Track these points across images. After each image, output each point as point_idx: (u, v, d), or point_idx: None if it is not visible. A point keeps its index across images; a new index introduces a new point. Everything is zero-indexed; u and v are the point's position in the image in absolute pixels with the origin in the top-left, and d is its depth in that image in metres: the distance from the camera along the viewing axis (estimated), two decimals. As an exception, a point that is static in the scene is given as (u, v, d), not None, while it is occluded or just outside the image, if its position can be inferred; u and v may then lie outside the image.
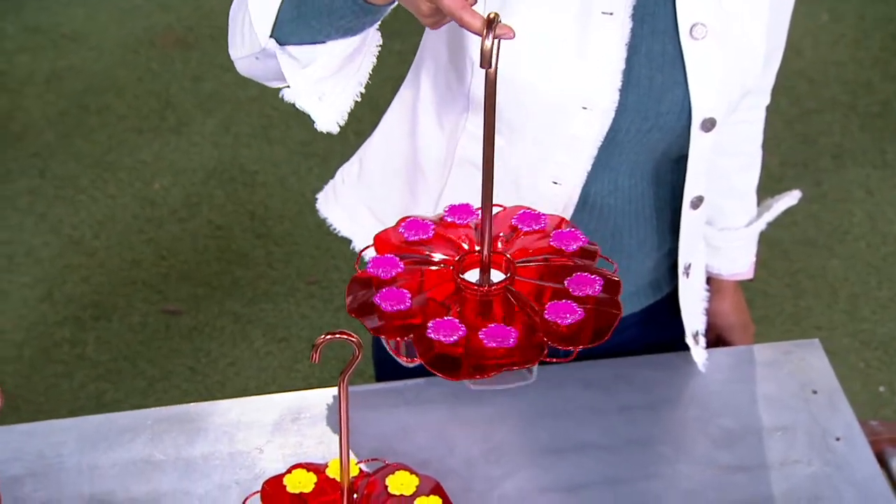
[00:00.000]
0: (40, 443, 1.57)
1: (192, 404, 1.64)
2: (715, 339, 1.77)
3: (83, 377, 2.77)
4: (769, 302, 2.90)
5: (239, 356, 2.84)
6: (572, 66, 1.43)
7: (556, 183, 1.52)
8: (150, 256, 3.04)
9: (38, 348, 2.82)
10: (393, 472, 1.52)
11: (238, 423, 1.61)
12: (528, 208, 1.39)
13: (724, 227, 1.71)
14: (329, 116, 1.44)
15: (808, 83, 3.45)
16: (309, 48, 1.39)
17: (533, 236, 1.37)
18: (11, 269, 2.97)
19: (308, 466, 1.52)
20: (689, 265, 1.61)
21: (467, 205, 1.38)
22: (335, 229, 1.70)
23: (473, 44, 1.47)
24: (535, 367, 1.45)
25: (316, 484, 1.50)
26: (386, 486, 1.50)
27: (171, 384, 2.77)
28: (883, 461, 1.57)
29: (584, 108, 1.46)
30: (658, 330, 1.67)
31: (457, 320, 1.26)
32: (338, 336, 1.35)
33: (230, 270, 3.01)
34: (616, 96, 1.44)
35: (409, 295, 1.29)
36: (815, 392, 1.64)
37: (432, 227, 1.38)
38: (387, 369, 1.79)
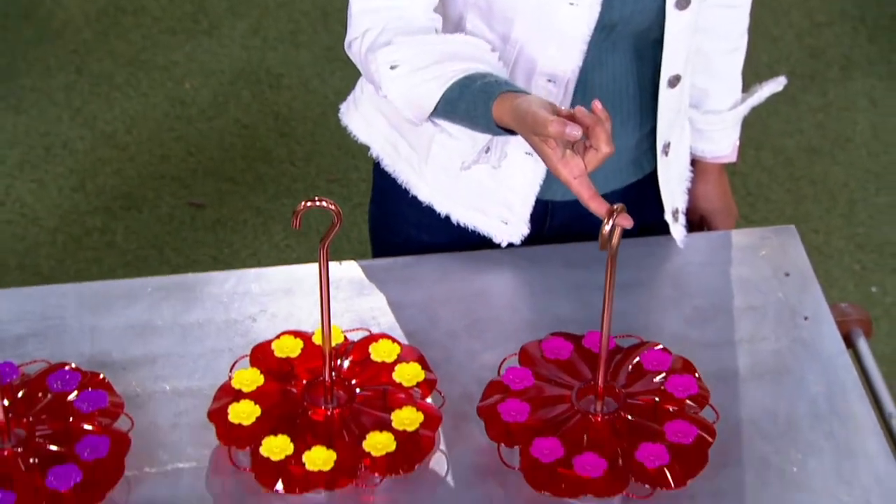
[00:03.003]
0: (42, 305, 1.58)
1: (189, 274, 1.65)
2: (699, 221, 1.75)
3: (112, 263, 2.79)
4: (770, 207, 2.87)
5: (259, 248, 2.85)
6: None
7: (550, 81, 1.52)
8: (179, 152, 3.05)
9: (70, 235, 2.84)
10: (376, 341, 1.53)
11: (233, 294, 1.62)
12: (659, 346, 1.49)
13: (708, 111, 1.68)
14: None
15: (819, -3, 3.39)
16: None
17: (654, 375, 1.47)
18: (48, 160, 2.99)
19: (295, 333, 1.53)
20: (668, 144, 1.60)
21: (598, 332, 1.46)
22: (354, 136, 1.71)
23: None
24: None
25: (302, 349, 1.50)
26: (369, 354, 1.51)
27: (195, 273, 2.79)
28: (849, 341, 1.55)
29: (571, 3, 1.45)
30: (641, 209, 1.65)
31: (559, 442, 1.39)
32: (317, 203, 1.35)
33: (254, 167, 3.02)
34: None
35: (529, 409, 1.42)
36: (787, 274, 1.62)
37: (571, 348, 1.48)
38: (382, 247, 1.79)
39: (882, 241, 2.79)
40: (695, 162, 1.71)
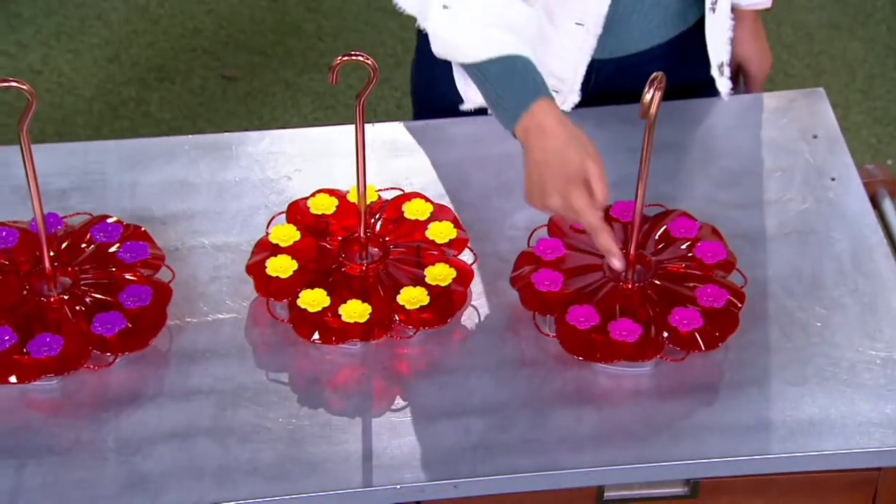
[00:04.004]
0: (84, 161, 1.55)
1: (225, 133, 1.61)
2: (735, 68, 1.68)
3: (146, 133, 2.75)
4: (789, 81, 2.81)
5: (289, 121, 2.81)
6: None
7: (579, 24, 1.48)
8: (210, 25, 2.99)
9: (106, 104, 2.80)
10: (409, 199, 1.50)
11: (268, 153, 1.58)
12: (687, 214, 1.44)
13: None
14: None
15: None
16: None
17: (681, 241, 1.42)
18: (83, 31, 2.94)
19: (331, 192, 1.50)
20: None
21: (632, 202, 1.39)
22: (401, 8, 1.59)
23: None
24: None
25: (337, 207, 1.48)
26: (402, 212, 1.48)
27: (227, 142, 2.75)
28: (875, 202, 1.51)
29: None
30: (684, 63, 1.60)
31: (594, 309, 1.35)
32: (354, 57, 1.31)
33: (283, 41, 2.96)
34: None
35: (562, 278, 1.38)
36: (815, 136, 1.57)
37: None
38: (423, 111, 1.73)
39: (899, 115, 2.74)
40: (732, 9, 1.65)
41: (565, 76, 1.55)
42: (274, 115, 2.82)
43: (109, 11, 2.99)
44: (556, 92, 1.57)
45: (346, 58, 1.30)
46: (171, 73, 2.88)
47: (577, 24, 1.50)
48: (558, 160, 1.35)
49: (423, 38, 1.66)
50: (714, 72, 1.59)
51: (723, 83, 1.61)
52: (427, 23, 1.44)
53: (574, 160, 1.34)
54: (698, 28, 1.58)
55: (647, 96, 1.25)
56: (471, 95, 1.58)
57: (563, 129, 1.36)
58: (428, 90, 1.71)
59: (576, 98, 1.58)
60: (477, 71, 1.42)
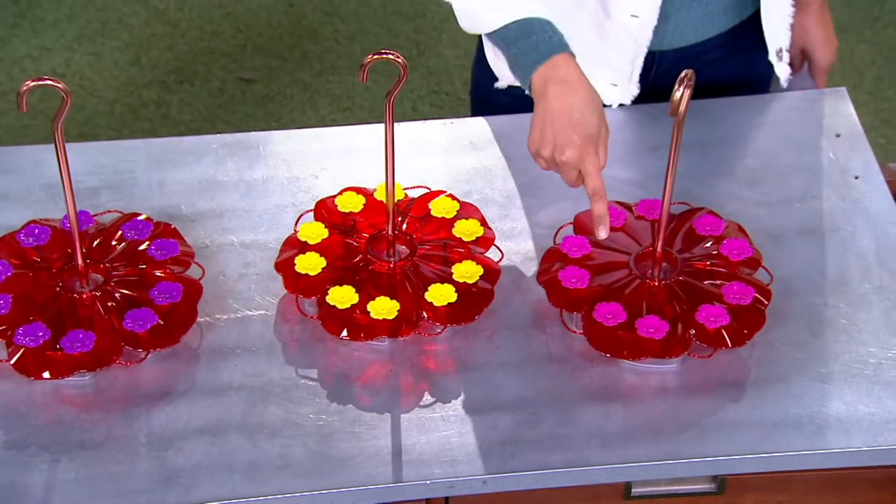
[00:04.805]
0: (113, 159, 1.53)
1: (251, 133, 1.58)
2: (799, 53, 1.64)
3: (167, 134, 2.73)
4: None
5: (306, 122, 2.78)
6: None
7: (634, 16, 1.46)
8: (228, 29, 2.96)
9: (127, 106, 2.78)
10: (436, 197, 1.47)
11: (295, 152, 1.56)
12: (712, 212, 1.41)
13: None
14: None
15: None
16: None
17: (707, 238, 1.40)
18: (105, 35, 2.92)
19: (358, 190, 1.47)
20: None
21: (658, 200, 1.39)
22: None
23: None
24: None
25: (364, 205, 1.45)
26: (429, 210, 1.45)
27: (245, 143, 2.73)
28: (898, 201, 1.49)
29: None
30: (744, 52, 1.57)
31: (621, 307, 1.32)
32: (384, 56, 1.28)
33: (300, 44, 2.93)
34: None
35: (588, 276, 1.35)
36: (838, 135, 1.55)
37: (626, 216, 1.41)
38: (481, 106, 1.68)
39: (907, 117, 2.71)
40: None
41: (623, 68, 1.52)
42: (292, 116, 2.79)
43: (130, 16, 2.97)
44: (615, 85, 1.53)
45: (376, 56, 1.27)
46: (191, 75, 2.86)
47: (632, 16, 1.47)
48: (579, 116, 1.33)
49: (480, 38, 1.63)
50: (772, 57, 1.55)
51: (781, 69, 1.57)
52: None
53: (594, 120, 1.33)
54: (757, 17, 1.54)
55: (677, 94, 1.22)
56: (503, 72, 1.55)
57: (585, 85, 1.35)
58: (488, 89, 1.65)
59: (635, 90, 1.55)
60: (499, 38, 1.41)
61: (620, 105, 1.56)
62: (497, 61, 1.56)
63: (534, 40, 1.36)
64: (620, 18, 1.47)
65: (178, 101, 2.80)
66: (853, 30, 2.89)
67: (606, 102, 1.55)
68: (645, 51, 1.50)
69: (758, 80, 1.61)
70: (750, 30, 1.55)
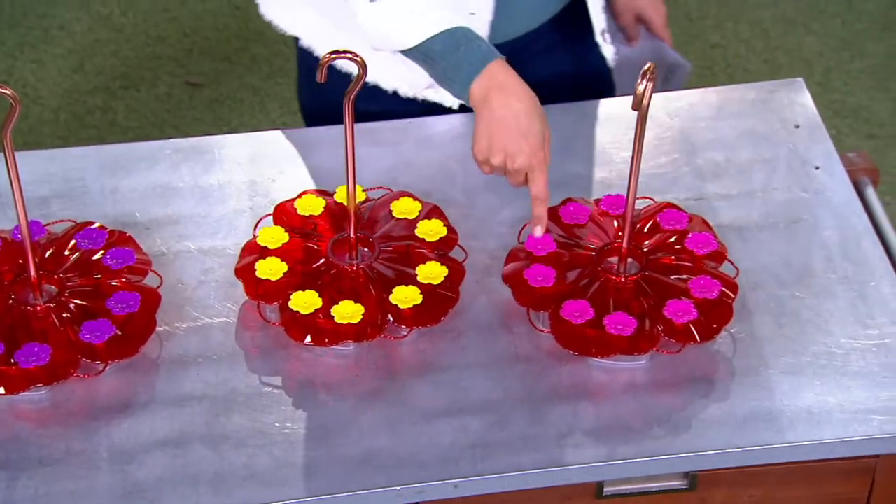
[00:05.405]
0: (63, 167, 1.48)
1: (205, 137, 1.55)
2: (634, 21, 1.65)
3: (114, 141, 2.66)
4: (748, 77, 2.78)
5: (257, 126, 2.74)
6: None
7: (472, 14, 1.43)
8: (174, 33, 2.92)
9: (72, 113, 2.72)
10: (397, 199, 1.45)
11: (251, 156, 1.53)
12: (676, 206, 1.40)
13: None
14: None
15: None
16: None
17: (671, 233, 1.38)
18: (47, 41, 2.86)
19: (317, 192, 1.44)
20: None
21: (622, 196, 1.38)
22: (281, 29, 1.53)
23: None
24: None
25: (325, 208, 1.42)
26: (390, 210, 1.43)
27: (195, 149, 2.68)
28: (858, 189, 1.48)
29: None
30: (571, 39, 1.58)
31: (588, 304, 1.31)
32: (342, 55, 1.25)
33: (248, 47, 2.90)
34: None
35: (554, 273, 1.34)
36: (797, 126, 1.54)
37: (590, 212, 1.40)
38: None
39: (856, 107, 2.72)
40: None
41: None
42: (242, 120, 2.75)
43: (72, 22, 2.91)
44: None
45: (334, 55, 1.24)
46: (137, 81, 2.81)
47: (470, 13, 1.44)
48: (527, 123, 1.34)
49: (305, 58, 1.56)
50: (598, 38, 1.57)
51: (607, 49, 1.58)
52: (361, 23, 1.39)
53: (539, 126, 1.34)
54: (579, 5, 1.55)
55: (640, 88, 1.21)
56: (413, 81, 1.51)
57: (526, 90, 1.35)
58: (324, 116, 1.58)
59: None
60: (419, 53, 1.38)
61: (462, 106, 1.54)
62: (409, 73, 1.50)
63: (463, 52, 1.35)
64: (461, 18, 1.44)
65: (124, 108, 2.75)
66: (800, 22, 2.91)
67: (448, 103, 1.54)
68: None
69: (588, 63, 1.61)
70: (578, 13, 1.56)
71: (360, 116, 1.36)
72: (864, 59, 2.82)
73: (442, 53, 1.35)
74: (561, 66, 1.60)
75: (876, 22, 2.90)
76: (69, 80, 2.78)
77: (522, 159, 1.34)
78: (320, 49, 1.53)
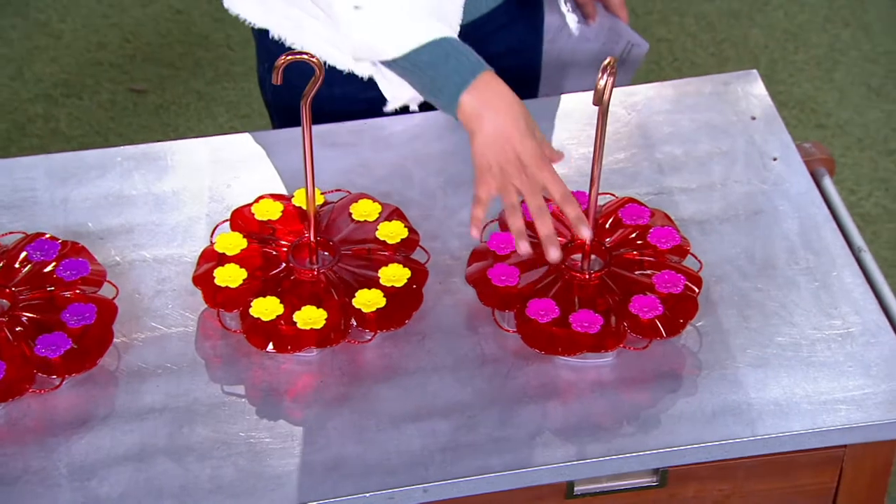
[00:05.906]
0: (10, 178, 1.45)
1: (158, 143, 1.52)
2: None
3: (58, 150, 2.60)
4: (696, 70, 2.80)
5: (205, 130, 2.70)
6: None
7: None
8: (115, 39, 2.87)
9: (12, 122, 2.66)
10: (356, 201, 1.43)
11: (205, 162, 1.50)
12: (637, 201, 1.39)
13: None
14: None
15: None
16: None
17: (634, 228, 1.37)
18: (-19, 50, 2.81)
19: (275, 196, 1.42)
20: None
21: (584, 192, 1.36)
22: (249, 22, 1.49)
23: None
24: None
25: (283, 212, 1.40)
26: (350, 214, 1.41)
27: (141, 155, 2.63)
28: (815, 180, 1.49)
29: None
30: (523, 17, 1.57)
31: (553, 302, 1.30)
32: (298, 56, 1.23)
33: (192, 52, 2.85)
34: None
35: (518, 272, 1.32)
36: (753, 118, 1.54)
37: (551, 209, 1.34)
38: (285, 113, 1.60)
39: (803, 98, 2.74)
40: None
41: None
42: (189, 126, 2.71)
43: (8, 28, 2.85)
44: None
45: (290, 56, 1.22)
46: (78, 88, 2.75)
47: None
48: (521, 146, 1.28)
49: (268, 48, 1.51)
50: (563, 8, 1.56)
51: (571, 18, 1.58)
52: (345, 33, 1.34)
53: (532, 141, 1.28)
54: None
55: (601, 82, 1.20)
56: (397, 93, 1.49)
57: (516, 98, 1.30)
58: (291, 107, 1.49)
59: None
60: (405, 63, 1.33)
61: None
62: (390, 86, 1.45)
63: (453, 63, 1.30)
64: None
65: (66, 116, 2.70)
66: (745, 14, 2.93)
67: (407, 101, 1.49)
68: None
69: (532, 43, 1.61)
70: None
71: (340, 101, 1.33)
72: (809, 50, 2.85)
73: (431, 64, 1.30)
74: (522, 38, 1.59)
75: (818, 13, 2.93)
76: (7, 89, 2.72)
77: (533, 188, 1.28)
78: (291, 39, 1.47)
